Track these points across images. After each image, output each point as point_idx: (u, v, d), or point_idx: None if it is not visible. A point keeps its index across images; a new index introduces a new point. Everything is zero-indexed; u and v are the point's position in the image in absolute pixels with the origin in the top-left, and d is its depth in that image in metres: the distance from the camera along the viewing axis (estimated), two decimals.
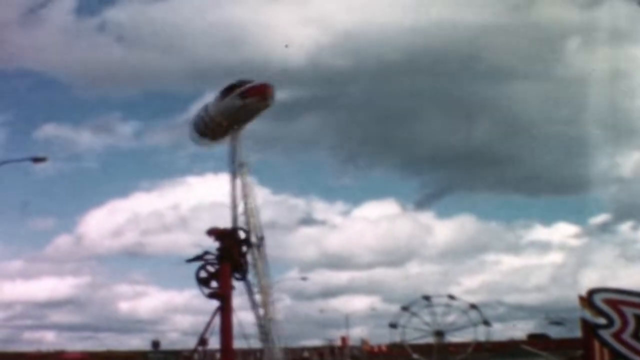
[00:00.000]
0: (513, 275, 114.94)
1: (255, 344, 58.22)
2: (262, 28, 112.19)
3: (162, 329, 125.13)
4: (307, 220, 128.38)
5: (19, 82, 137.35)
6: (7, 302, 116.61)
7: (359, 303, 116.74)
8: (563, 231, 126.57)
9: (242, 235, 38.20)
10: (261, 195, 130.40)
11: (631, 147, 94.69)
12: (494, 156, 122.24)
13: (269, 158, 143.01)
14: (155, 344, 76.45)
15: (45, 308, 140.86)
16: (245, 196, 59.03)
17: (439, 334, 74.54)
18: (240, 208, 58.75)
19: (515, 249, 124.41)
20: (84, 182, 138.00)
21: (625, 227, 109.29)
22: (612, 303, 29.51)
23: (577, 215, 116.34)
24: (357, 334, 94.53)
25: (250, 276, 53.70)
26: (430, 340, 75.08)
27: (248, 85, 58.30)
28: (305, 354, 78.64)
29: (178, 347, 72.18)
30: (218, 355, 48.99)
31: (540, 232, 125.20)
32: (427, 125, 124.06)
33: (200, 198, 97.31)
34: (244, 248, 37.37)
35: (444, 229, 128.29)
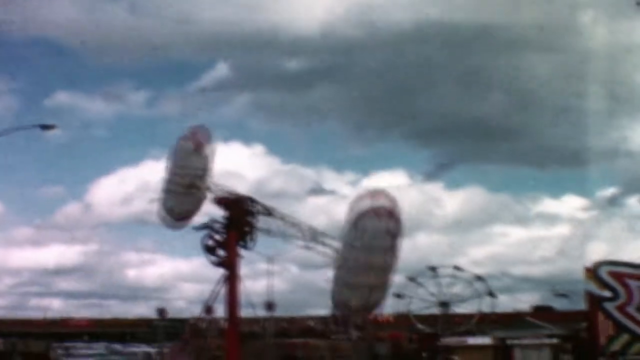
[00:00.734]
0: (520, 247, 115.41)
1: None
2: None
3: (169, 297, 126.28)
4: (317, 190, 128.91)
5: (31, 50, 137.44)
6: (15, 269, 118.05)
7: None
8: (571, 204, 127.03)
9: (249, 204, 38.26)
10: (271, 164, 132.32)
11: None
12: (504, 128, 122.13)
13: (279, 128, 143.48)
14: (161, 311, 76.76)
15: (52, 275, 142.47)
16: None
17: (444, 304, 74.71)
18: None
19: (523, 220, 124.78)
20: (95, 149, 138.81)
21: (633, 201, 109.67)
22: (617, 276, 29.33)
23: (585, 188, 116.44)
24: None
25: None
26: (435, 310, 75.33)
27: None
28: (310, 323, 78.95)
29: (184, 315, 72.41)
30: (224, 323, 48.94)
31: (548, 205, 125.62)
32: (438, 97, 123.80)
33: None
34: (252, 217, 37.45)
35: (452, 200, 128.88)
